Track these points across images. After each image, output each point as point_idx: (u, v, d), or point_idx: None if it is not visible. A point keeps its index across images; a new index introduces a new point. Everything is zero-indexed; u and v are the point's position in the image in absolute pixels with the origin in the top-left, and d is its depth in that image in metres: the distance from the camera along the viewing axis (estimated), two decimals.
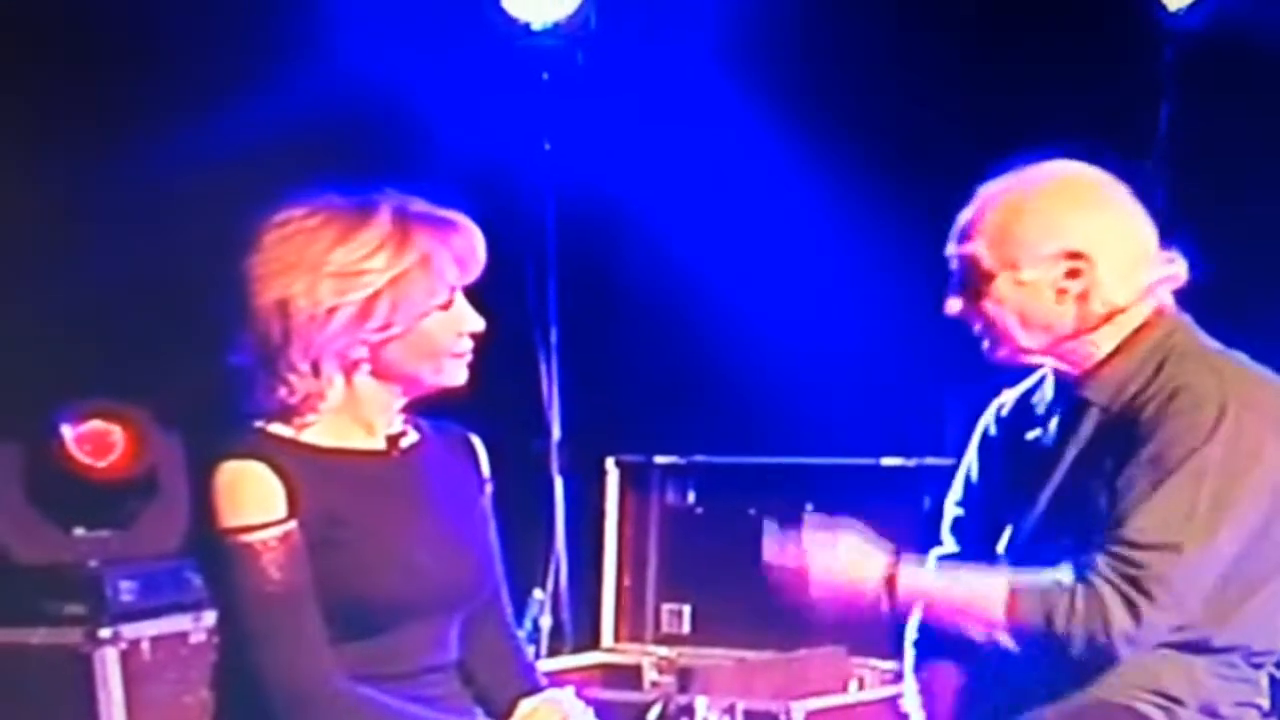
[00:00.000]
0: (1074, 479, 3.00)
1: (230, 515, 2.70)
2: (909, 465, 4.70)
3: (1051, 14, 4.95)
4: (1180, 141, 4.81)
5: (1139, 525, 2.88)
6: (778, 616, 4.79)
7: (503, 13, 5.20)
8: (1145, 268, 3.01)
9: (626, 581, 5.08)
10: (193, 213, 4.64)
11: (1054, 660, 2.94)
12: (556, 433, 5.20)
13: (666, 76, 5.41)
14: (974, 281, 3.00)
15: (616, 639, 5.08)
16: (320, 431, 2.78)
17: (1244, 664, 3.01)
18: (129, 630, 4.63)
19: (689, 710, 4.27)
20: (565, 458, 5.19)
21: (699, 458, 5.07)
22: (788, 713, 4.20)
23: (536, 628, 4.96)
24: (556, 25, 5.20)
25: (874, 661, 4.51)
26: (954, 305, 3.03)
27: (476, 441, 2.95)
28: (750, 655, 4.70)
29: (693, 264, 5.30)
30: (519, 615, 3.30)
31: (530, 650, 3.08)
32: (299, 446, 2.76)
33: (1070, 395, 3.05)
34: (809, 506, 4.83)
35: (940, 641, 3.14)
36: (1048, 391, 3.12)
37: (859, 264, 5.15)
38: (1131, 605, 2.87)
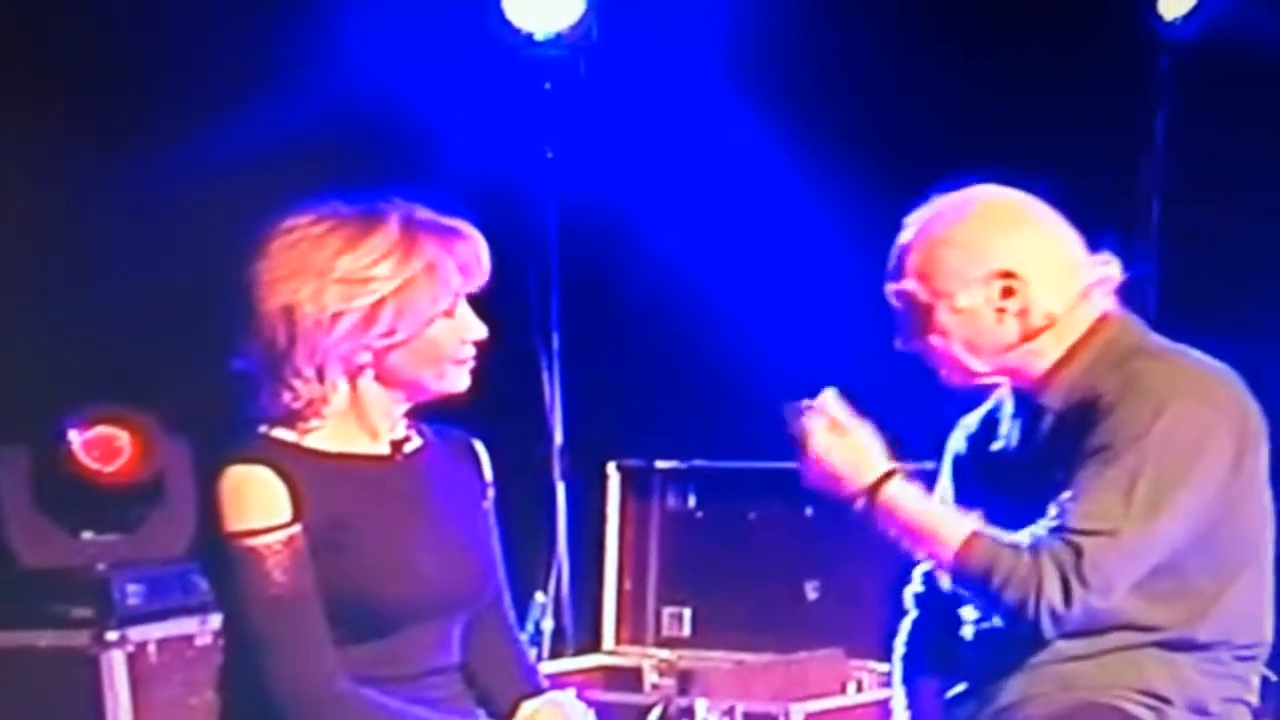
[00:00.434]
0: (1036, 481, 3.02)
1: (236, 519, 2.71)
2: (908, 469, 4.70)
3: (1049, 24, 4.95)
4: (1176, 150, 4.82)
5: (1081, 511, 2.91)
6: (777, 620, 4.84)
7: (506, 23, 5.20)
8: (1076, 275, 3.05)
9: (627, 585, 5.09)
10: (199, 220, 4.65)
11: (1044, 665, 2.94)
12: (558, 438, 5.20)
13: (668, 86, 5.42)
14: (915, 317, 3.06)
15: (617, 642, 5.08)
16: (325, 436, 2.78)
17: (1231, 660, 3.01)
18: (136, 633, 4.63)
19: (689, 712, 4.27)
20: (567, 462, 5.19)
21: (699, 462, 5.07)
22: (787, 715, 4.21)
23: (538, 630, 4.96)
24: (559, 35, 5.20)
25: (872, 664, 4.51)
26: (904, 338, 3.09)
27: (479, 446, 2.95)
28: (750, 658, 4.71)
29: (693, 271, 5.30)
30: (521, 618, 3.30)
31: (532, 653, 3.09)
32: (304, 451, 2.76)
33: (1027, 403, 3.09)
34: (808, 510, 4.88)
35: (925, 657, 3.17)
36: (1007, 404, 3.15)
37: (858, 272, 5.13)
38: (1066, 585, 2.89)
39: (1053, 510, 2.94)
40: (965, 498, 3.17)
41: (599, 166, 5.29)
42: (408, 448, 2.85)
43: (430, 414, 2.89)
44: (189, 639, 4.69)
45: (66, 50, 5.05)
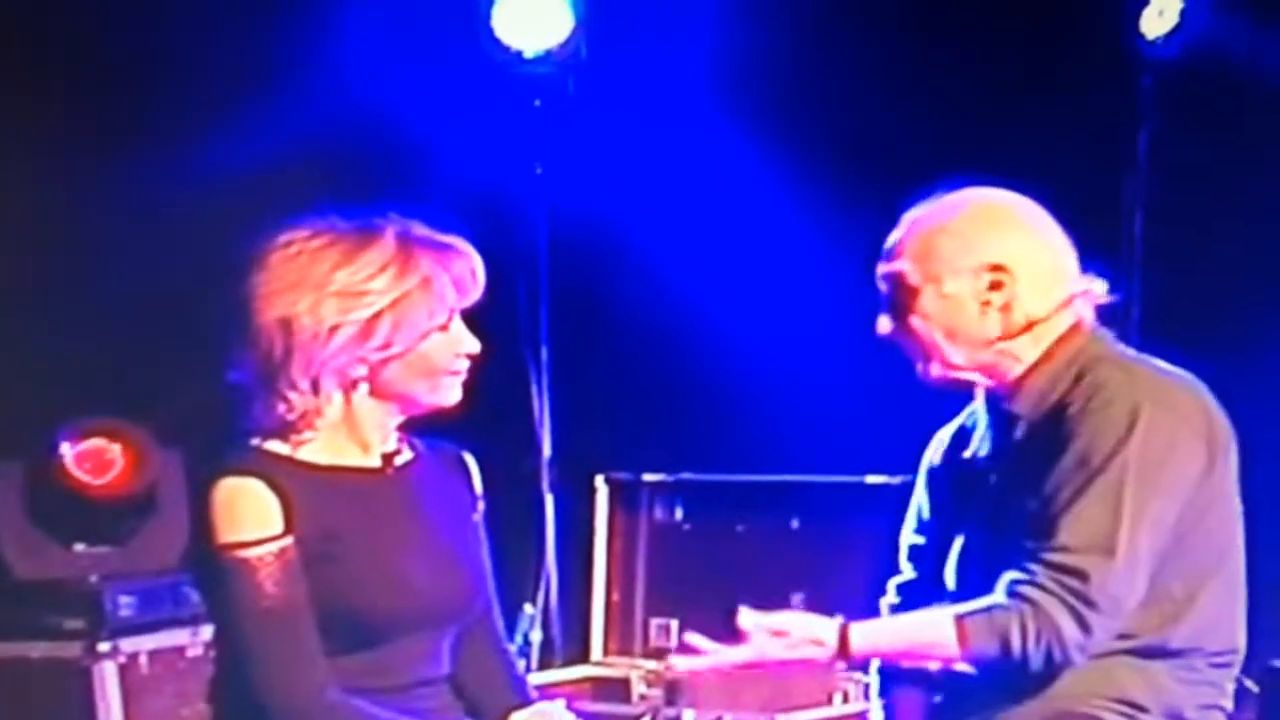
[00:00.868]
0: (1006, 490, 3.03)
1: (228, 531, 2.71)
2: (893, 482, 4.70)
3: (1033, 43, 4.96)
4: (1158, 167, 4.83)
5: (1071, 533, 2.91)
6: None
7: (497, 41, 5.20)
8: (1062, 282, 3.07)
9: (615, 597, 5.09)
10: (193, 235, 4.64)
11: (1014, 677, 2.94)
12: (547, 451, 5.20)
13: (655, 103, 5.42)
14: (901, 299, 3.06)
15: (606, 653, 5.07)
16: (317, 449, 2.78)
17: (1205, 666, 3.02)
18: (128, 644, 4.62)
19: None
20: (556, 475, 5.19)
21: (687, 475, 5.07)
22: None
23: (527, 642, 4.96)
24: (549, 53, 5.20)
25: (858, 675, 4.51)
26: (884, 324, 3.09)
27: (469, 459, 2.96)
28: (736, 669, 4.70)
29: (681, 286, 5.31)
30: (510, 630, 3.31)
31: (521, 664, 3.08)
32: (296, 464, 2.76)
33: (999, 411, 3.09)
34: (795, 523, 4.88)
35: (904, 669, 3.16)
36: (980, 413, 3.16)
37: (845, 286, 5.14)
38: (1079, 616, 2.90)
39: (1036, 532, 2.92)
40: (939, 508, 3.18)
41: (588, 182, 5.29)
42: (399, 460, 2.85)
43: (421, 427, 2.89)
44: (181, 650, 4.68)
45: (65, 68, 5.05)
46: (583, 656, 5.07)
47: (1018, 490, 3.00)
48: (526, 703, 2.92)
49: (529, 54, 5.19)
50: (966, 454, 3.15)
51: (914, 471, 4.64)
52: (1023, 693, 2.99)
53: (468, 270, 2.81)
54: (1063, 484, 2.93)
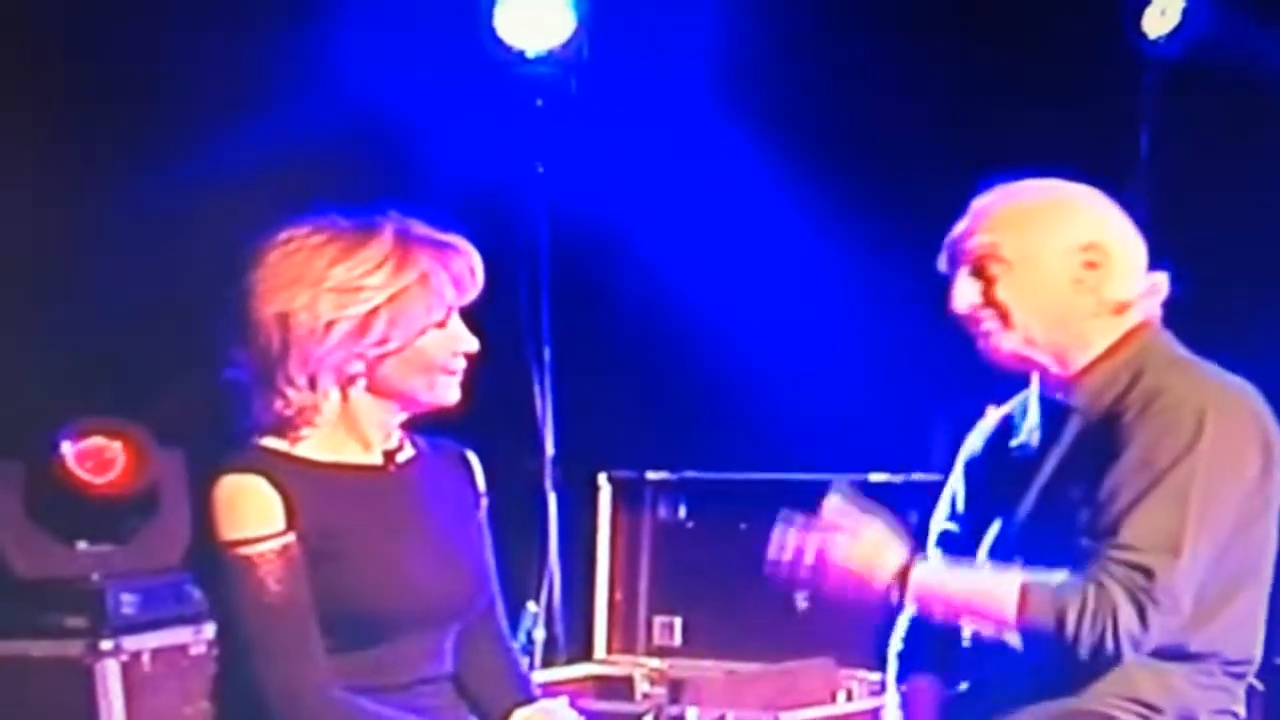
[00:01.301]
0: (1056, 484, 3.01)
1: (229, 528, 2.70)
2: (896, 481, 4.70)
3: (1035, 43, 4.95)
4: (1161, 165, 4.82)
5: (1137, 532, 2.89)
6: (767, 629, 4.82)
7: (499, 41, 5.20)
8: (1142, 271, 3.06)
9: (618, 595, 5.08)
10: (194, 234, 4.63)
11: (1047, 666, 2.92)
12: (550, 449, 5.19)
13: (657, 102, 5.42)
14: (990, 272, 3.01)
15: (609, 651, 5.07)
16: (317, 446, 2.77)
17: (1220, 673, 3.00)
18: (130, 642, 4.61)
19: None
20: (559, 474, 5.19)
21: (690, 473, 5.06)
22: None
23: (530, 640, 4.95)
24: (550, 53, 5.20)
25: (862, 673, 4.50)
26: (965, 297, 3.02)
27: (472, 458, 2.95)
28: (740, 667, 4.69)
29: (683, 284, 5.30)
30: (513, 628, 3.29)
31: (524, 662, 3.06)
32: (297, 461, 2.75)
33: (1052, 403, 3.07)
34: (800, 521, 4.86)
35: (923, 655, 3.14)
36: (1031, 404, 3.13)
37: (846, 285, 5.15)
38: (1141, 609, 2.87)
39: (1097, 530, 2.90)
40: (977, 496, 3.15)
41: (590, 181, 5.29)
42: (400, 458, 2.84)
43: (424, 426, 2.88)
44: (183, 648, 4.67)
45: (65, 72, 5.05)
46: (586, 654, 5.07)
47: (1069, 484, 2.97)
48: (530, 701, 2.91)
49: (531, 54, 5.19)
50: (1014, 443, 3.12)
51: (914, 469, 4.64)
52: (1040, 693, 2.96)
53: (466, 268, 2.80)
54: (1126, 483, 2.90)
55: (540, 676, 4.57)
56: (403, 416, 2.83)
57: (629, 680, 4.93)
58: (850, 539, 2.99)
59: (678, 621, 5.01)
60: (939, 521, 3.22)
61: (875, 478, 4.74)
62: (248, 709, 2.72)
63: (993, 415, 3.21)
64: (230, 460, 2.73)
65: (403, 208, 2.80)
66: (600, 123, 5.36)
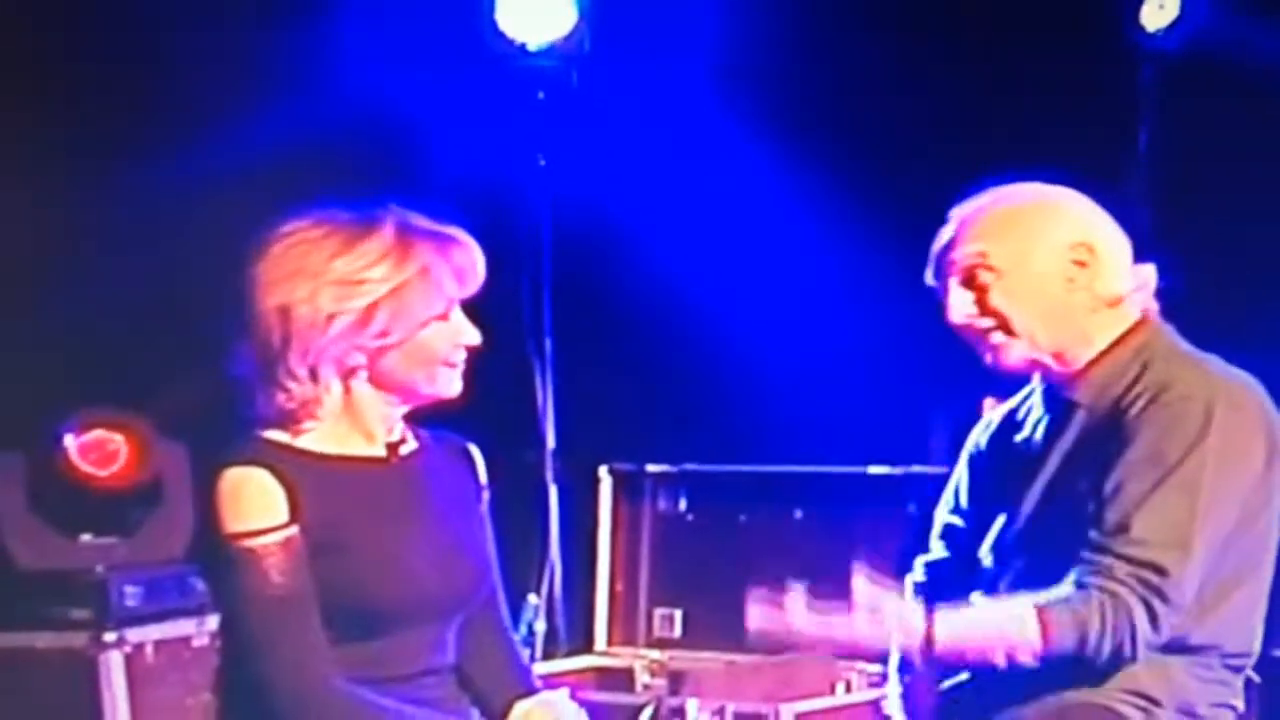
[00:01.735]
0: (1060, 479, 3.00)
1: (233, 521, 2.70)
2: (895, 473, 4.70)
3: (1035, 36, 4.95)
4: (1159, 158, 4.82)
5: (1147, 526, 2.87)
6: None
7: (500, 34, 5.20)
8: (1130, 263, 3.05)
9: (619, 587, 5.08)
10: (195, 227, 4.63)
11: (1048, 659, 2.92)
12: (551, 442, 5.19)
13: (658, 95, 5.42)
14: (981, 282, 3.00)
15: (609, 642, 5.07)
16: (320, 438, 2.77)
17: (1220, 666, 3.00)
18: (133, 634, 4.61)
19: (680, 712, 4.26)
20: (559, 466, 5.19)
21: (690, 466, 5.06)
22: (776, 715, 4.19)
23: (531, 632, 4.92)
24: (552, 47, 5.20)
25: (861, 665, 4.50)
26: (960, 309, 3.01)
27: (474, 450, 2.95)
28: (740, 658, 4.69)
29: (684, 278, 5.30)
30: (515, 619, 3.29)
31: (525, 653, 3.07)
32: (299, 453, 2.75)
33: (1057, 398, 3.06)
34: (798, 513, 4.87)
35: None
36: (1035, 399, 3.12)
37: (846, 280, 5.15)
38: (1152, 611, 2.87)
39: (1105, 524, 2.88)
40: (981, 490, 3.14)
41: (591, 174, 5.29)
42: (403, 450, 2.84)
43: (426, 419, 2.88)
44: (186, 640, 4.67)
45: (64, 62, 5.04)
46: (587, 646, 5.07)
47: (1075, 478, 2.96)
48: (531, 692, 2.91)
49: (532, 47, 5.19)
50: (1018, 438, 3.11)
51: (915, 462, 4.64)
52: (1042, 682, 2.95)
53: (468, 260, 2.80)
54: (1134, 476, 2.89)
55: (541, 668, 4.57)
56: (405, 409, 2.83)
57: (629, 672, 4.93)
58: (874, 617, 2.95)
59: (678, 613, 5.01)
60: (942, 514, 3.22)
61: (874, 470, 4.75)
62: (251, 701, 2.71)
63: (997, 410, 3.20)
64: (233, 453, 2.73)
65: (405, 201, 2.80)
66: (601, 116, 5.36)
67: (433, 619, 2.81)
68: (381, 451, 2.81)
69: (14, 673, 4.59)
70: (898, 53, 5.07)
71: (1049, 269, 2.99)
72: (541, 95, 5.25)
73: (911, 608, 2.96)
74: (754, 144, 5.29)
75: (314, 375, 2.73)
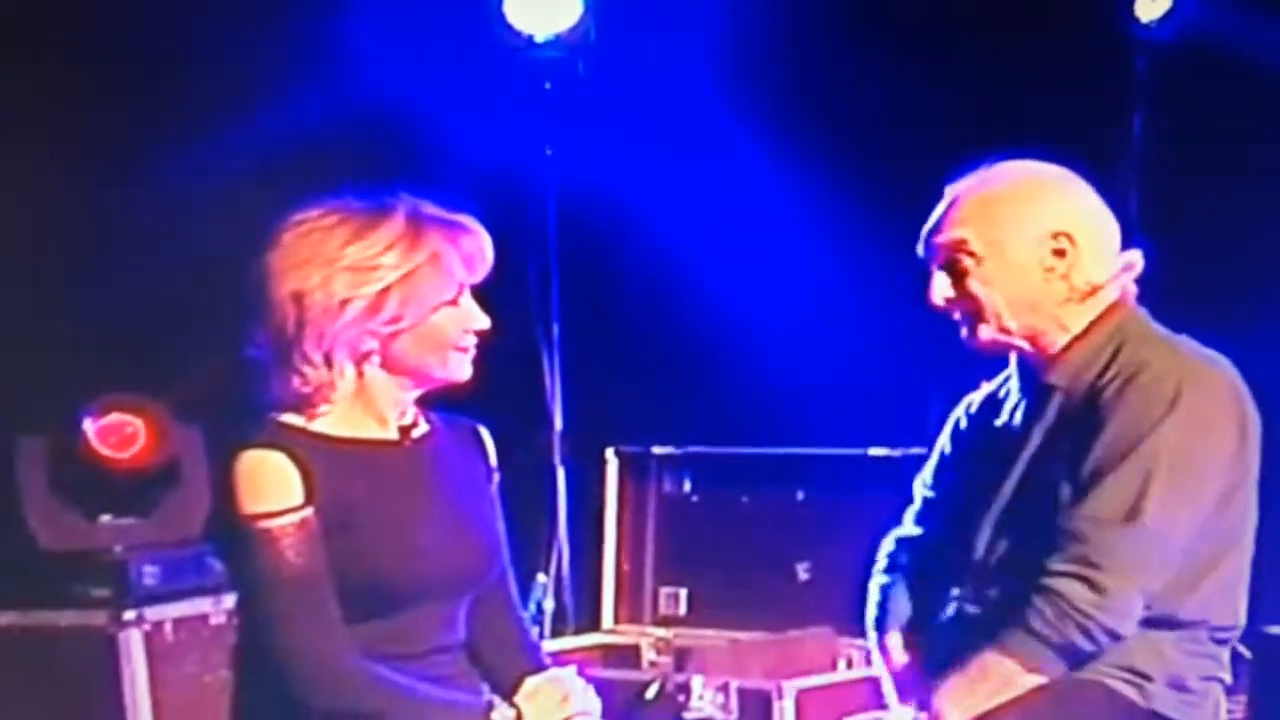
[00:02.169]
0: (1038, 461, 3.01)
1: (250, 502, 2.71)
2: (894, 455, 4.70)
3: (1031, 28, 4.95)
4: (1152, 146, 4.82)
5: (1100, 499, 2.89)
6: (769, 599, 4.84)
7: (508, 26, 5.20)
8: (1115, 252, 3.05)
9: (625, 566, 5.08)
10: (214, 220, 4.64)
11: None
12: (559, 425, 5.19)
13: (661, 85, 5.42)
14: (961, 266, 3.01)
15: (616, 621, 5.08)
16: (334, 422, 2.78)
17: (1207, 639, 3.00)
18: (152, 613, 4.63)
19: (685, 688, 4.27)
20: (567, 448, 5.19)
21: (695, 448, 5.06)
22: (779, 691, 4.20)
23: (540, 610, 4.96)
24: (558, 38, 5.20)
25: (861, 642, 4.49)
26: (940, 291, 3.03)
27: (484, 433, 2.95)
28: (743, 636, 4.70)
29: (688, 264, 5.31)
30: (524, 598, 3.30)
31: (534, 631, 3.08)
32: (313, 436, 2.76)
33: (1035, 381, 3.06)
34: (799, 494, 4.88)
35: (896, 617, 3.16)
36: (1014, 382, 3.13)
37: (846, 266, 5.15)
38: (1086, 581, 2.87)
39: (1066, 503, 2.90)
40: (961, 471, 3.15)
41: (597, 162, 5.29)
42: (416, 433, 2.85)
43: (437, 402, 2.89)
44: (204, 618, 4.69)
45: (93, 60, 5.07)
46: (594, 624, 5.08)
47: (1049, 461, 2.97)
48: (539, 669, 2.92)
49: (539, 38, 5.19)
50: (998, 422, 3.11)
51: (912, 444, 4.65)
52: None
53: (477, 247, 2.80)
54: (1100, 457, 2.90)
55: (550, 645, 4.59)
56: (417, 393, 2.84)
57: (636, 649, 4.94)
58: None
59: (683, 592, 5.02)
60: (920, 491, 3.24)
61: (874, 452, 4.75)
62: (267, 678, 2.72)
63: (977, 393, 3.21)
64: (250, 436, 2.74)
65: (415, 189, 2.80)
66: (606, 106, 5.36)
67: (444, 597, 2.81)
68: (394, 434, 2.82)
69: (37, 650, 4.61)
70: (894, 44, 5.07)
71: (1026, 258, 2.99)
72: (548, 86, 5.25)
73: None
74: (755, 132, 5.29)
75: (328, 360, 2.73)
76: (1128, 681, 2.97)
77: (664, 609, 5.03)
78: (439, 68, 5.28)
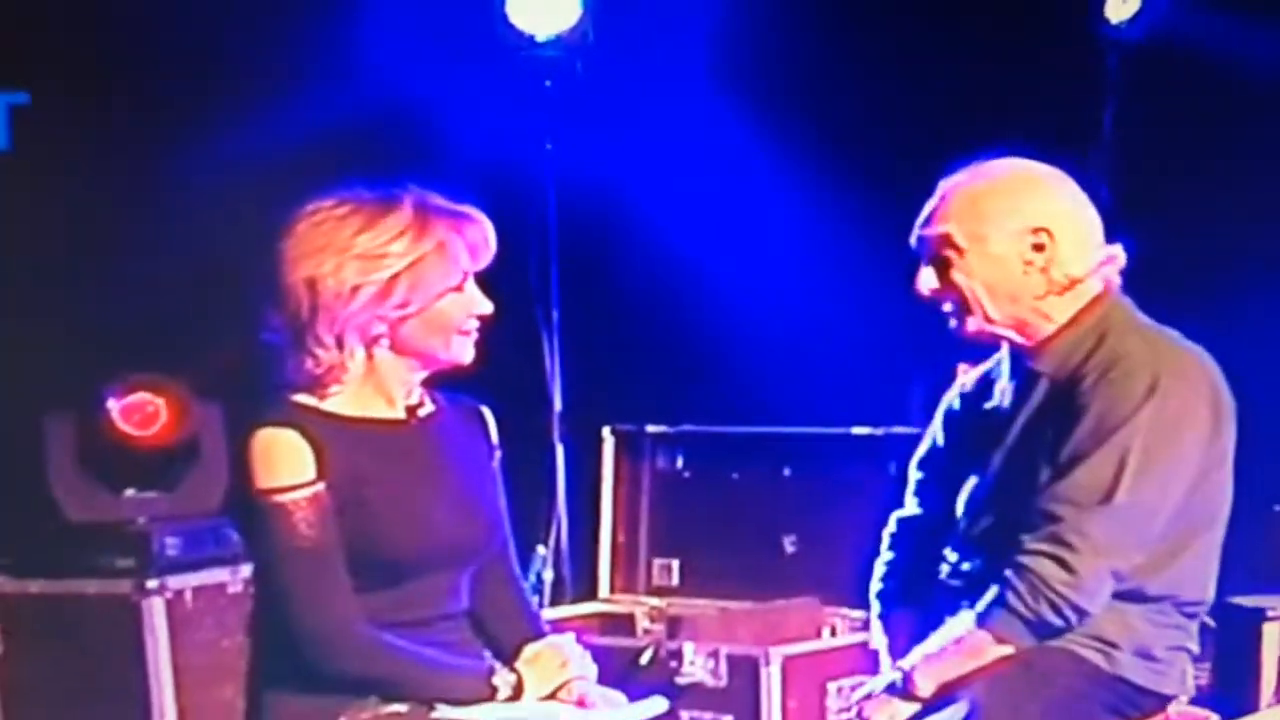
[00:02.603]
0: (1022, 443, 3.01)
1: (265, 478, 2.72)
2: (877, 434, 4.71)
3: (1005, 28, 4.94)
4: (1122, 143, 4.81)
5: (1074, 483, 2.89)
6: (758, 570, 4.85)
7: (510, 26, 5.19)
8: (1096, 246, 3.05)
9: (621, 539, 5.09)
10: (230, 209, 4.64)
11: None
12: (558, 405, 5.19)
13: (658, 82, 5.41)
14: (946, 258, 3.02)
15: (612, 590, 5.08)
16: (345, 402, 2.79)
17: (1175, 612, 3.01)
18: (174, 581, 4.64)
19: (677, 655, 4.27)
20: (565, 427, 5.19)
21: (687, 427, 5.06)
22: (766, 657, 4.21)
23: (540, 580, 4.97)
24: (558, 37, 5.19)
25: (845, 610, 4.52)
26: (926, 282, 3.04)
27: (487, 412, 2.96)
28: (733, 605, 4.71)
29: (681, 251, 5.30)
30: (524, 569, 3.30)
31: (534, 600, 3.09)
32: (326, 415, 2.77)
33: (1023, 367, 3.07)
34: (786, 471, 4.88)
35: (900, 591, 3.16)
36: (1004, 367, 3.13)
37: (831, 254, 5.15)
38: (1057, 559, 2.87)
39: (1043, 487, 2.90)
40: (953, 450, 3.16)
41: (595, 157, 5.29)
42: (422, 413, 2.86)
43: (442, 383, 2.89)
44: (222, 587, 4.70)
45: (121, 60, 5.07)
46: (591, 594, 5.09)
47: (1034, 445, 2.97)
48: (539, 636, 2.93)
49: (540, 38, 5.18)
50: (988, 405, 3.12)
51: (895, 423, 4.65)
52: None
53: (480, 236, 2.81)
54: (1077, 443, 2.90)
55: (549, 614, 4.60)
56: (423, 374, 2.84)
57: (631, 618, 4.95)
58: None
59: (675, 563, 5.02)
60: (915, 470, 3.24)
61: (857, 431, 4.76)
62: (282, 643, 2.74)
63: (970, 374, 3.21)
64: (265, 415, 2.75)
65: (422, 181, 2.81)
66: (605, 103, 5.36)
67: (448, 568, 2.82)
68: (401, 414, 2.83)
69: (64, 617, 4.62)
70: (877, 43, 5.07)
71: (1006, 251, 2.99)
72: (548, 83, 5.24)
73: (887, 674, 2.99)
74: (746, 126, 5.29)
75: (340, 343, 2.74)
76: (1095, 649, 2.97)
77: (657, 579, 5.04)
78: (445, 66, 5.28)
